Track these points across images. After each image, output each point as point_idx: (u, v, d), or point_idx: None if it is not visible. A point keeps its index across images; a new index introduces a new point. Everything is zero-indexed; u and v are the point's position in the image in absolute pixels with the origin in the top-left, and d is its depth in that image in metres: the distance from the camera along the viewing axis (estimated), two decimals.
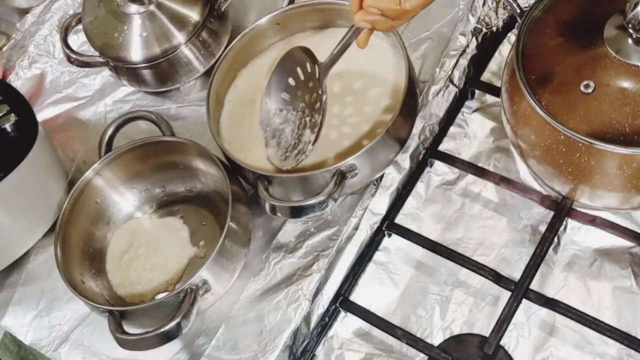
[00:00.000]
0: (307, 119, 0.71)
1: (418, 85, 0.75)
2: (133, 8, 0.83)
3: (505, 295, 0.65)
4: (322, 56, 0.69)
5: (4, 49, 1.04)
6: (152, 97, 0.92)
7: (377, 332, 0.69)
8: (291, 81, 0.73)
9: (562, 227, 0.68)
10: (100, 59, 0.87)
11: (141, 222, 0.81)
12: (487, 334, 0.64)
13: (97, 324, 0.76)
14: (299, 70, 0.72)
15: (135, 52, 0.83)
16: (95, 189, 0.78)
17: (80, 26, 0.88)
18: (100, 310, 0.70)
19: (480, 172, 0.73)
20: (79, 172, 0.86)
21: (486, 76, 0.80)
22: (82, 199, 0.77)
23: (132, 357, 0.73)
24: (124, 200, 0.81)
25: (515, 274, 0.67)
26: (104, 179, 0.78)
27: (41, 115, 0.94)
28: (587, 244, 0.68)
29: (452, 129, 0.77)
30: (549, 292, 0.66)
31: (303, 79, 0.72)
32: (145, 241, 0.79)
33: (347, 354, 0.69)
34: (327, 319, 0.70)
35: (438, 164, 0.75)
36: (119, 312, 0.68)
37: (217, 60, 0.80)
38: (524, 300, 0.65)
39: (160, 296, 0.74)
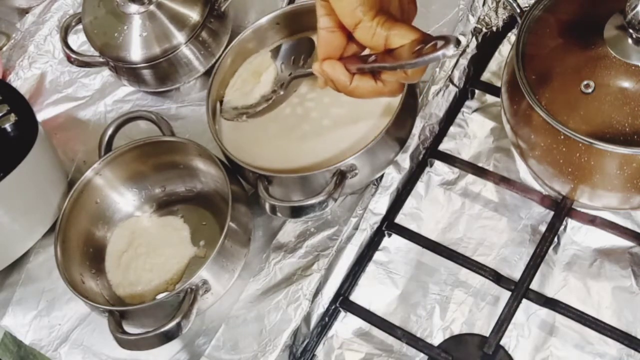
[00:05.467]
0: (272, 96, 0.74)
1: (418, 85, 0.75)
2: (133, 8, 0.83)
3: (505, 295, 0.65)
4: None
5: (4, 49, 1.04)
6: (152, 97, 0.92)
7: (377, 332, 0.69)
8: (291, 60, 0.76)
9: (562, 227, 0.68)
10: (100, 59, 0.87)
11: (141, 221, 0.81)
12: (487, 334, 0.64)
13: (97, 324, 0.76)
14: (303, 57, 0.75)
15: (135, 52, 0.84)
16: (95, 189, 0.78)
17: (80, 26, 0.88)
18: (100, 310, 0.70)
19: (480, 172, 0.73)
20: (79, 172, 0.86)
21: (486, 76, 0.80)
22: (82, 199, 0.77)
23: (132, 357, 0.73)
24: (124, 200, 0.81)
25: (515, 274, 0.67)
26: (104, 179, 0.78)
27: (41, 115, 0.94)
28: (587, 244, 0.68)
29: (452, 129, 0.77)
30: (549, 292, 0.66)
31: (298, 65, 0.75)
32: (145, 241, 0.79)
33: (347, 354, 0.69)
34: (327, 318, 0.70)
35: (438, 164, 0.76)
36: (119, 312, 0.68)
37: (217, 60, 0.80)
38: (524, 300, 0.65)
39: (160, 296, 0.74)
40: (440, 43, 0.49)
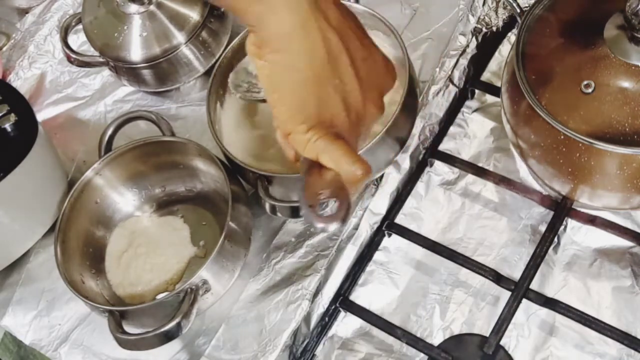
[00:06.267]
0: None
1: (418, 85, 0.74)
2: (133, 8, 0.83)
3: (505, 295, 0.65)
4: None
5: (4, 49, 1.04)
6: (152, 97, 0.92)
7: (377, 332, 0.69)
8: None
9: (562, 227, 0.68)
10: (100, 59, 0.87)
11: (141, 221, 0.81)
12: (487, 334, 0.64)
13: (97, 324, 0.76)
14: None
15: (135, 52, 0.84)
16: (95, 188, 0.78)
17: (80, 26, 0.88)
18: (100, 310, 0.70)
19: (480, 172, 0.73)
20: (79, 172, 0.85)
21: (486, 76, 0.80)
22: (82, 199, 0.77)
23: (132, 357, 0.73)
24: (124, 200, 0.81)
25: (515, 274, 0.67)
26: (104, 179, 0.78)
27: (41, 115, 0.94)
28: (587, 244, 0.68)
29: (452, 129, 0.77)
30: (549, 292, 0.66)
31: None
32: (145, 241, 0.78)
33: (347, 354, 0.69)
34: (327, 318, 0.70)
35: (438, 164, 0.76)
36: (119, 312, 0.68)
37: (217, 60, 0.80)
38: (524, 300, 0.65)
39: (160, 296, 0.74)
40: (338, 207, 0.48)
